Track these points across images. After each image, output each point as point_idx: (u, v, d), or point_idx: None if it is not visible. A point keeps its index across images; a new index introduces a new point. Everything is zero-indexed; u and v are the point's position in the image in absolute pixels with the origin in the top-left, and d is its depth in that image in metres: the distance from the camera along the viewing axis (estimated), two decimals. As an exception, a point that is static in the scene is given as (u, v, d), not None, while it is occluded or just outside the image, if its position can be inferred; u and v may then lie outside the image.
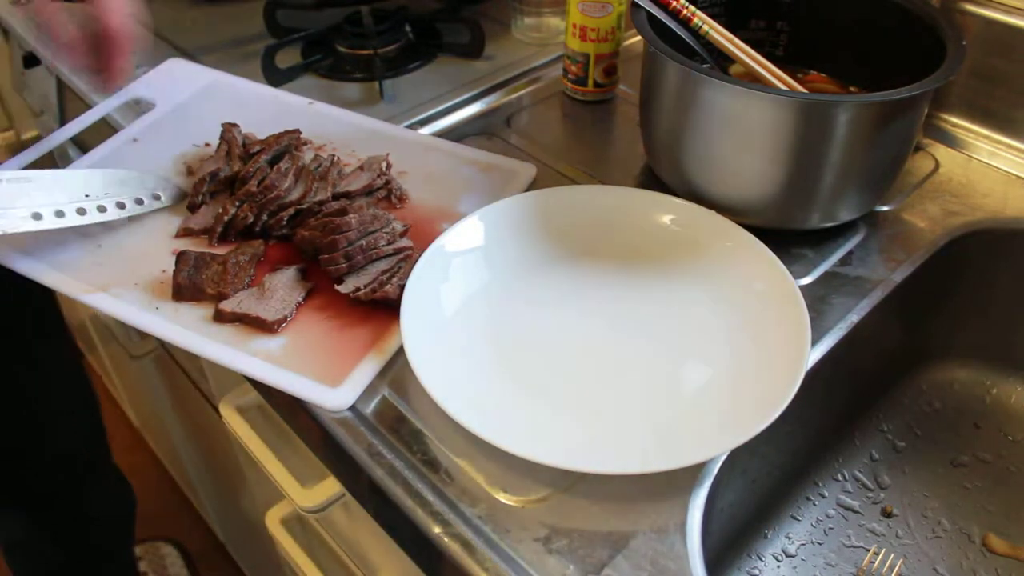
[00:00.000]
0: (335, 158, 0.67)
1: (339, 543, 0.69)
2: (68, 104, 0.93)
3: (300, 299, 0.57)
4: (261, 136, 0.70)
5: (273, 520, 0.67)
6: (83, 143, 0.78)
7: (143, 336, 1.07)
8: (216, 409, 0.69)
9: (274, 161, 0.65)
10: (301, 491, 0.57)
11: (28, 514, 1.00)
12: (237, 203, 0.62)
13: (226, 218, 0.62)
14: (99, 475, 1.08)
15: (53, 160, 0.84)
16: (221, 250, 0.60)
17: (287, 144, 0.67)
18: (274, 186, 0.62)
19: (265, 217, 0.62)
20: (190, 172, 0.69)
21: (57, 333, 0.96)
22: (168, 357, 1.03)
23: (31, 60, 0.95)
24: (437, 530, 0.44)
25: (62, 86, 0.91)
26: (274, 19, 0.89)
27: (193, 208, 0.65)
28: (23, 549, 1.04)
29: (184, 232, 0.63)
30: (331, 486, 0.56)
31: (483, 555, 0.43)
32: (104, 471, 1.09)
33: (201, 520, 1.50)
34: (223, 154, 0.67)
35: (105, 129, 0.75)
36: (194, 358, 0.91)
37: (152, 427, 1.48)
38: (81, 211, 0.60)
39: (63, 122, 0.95)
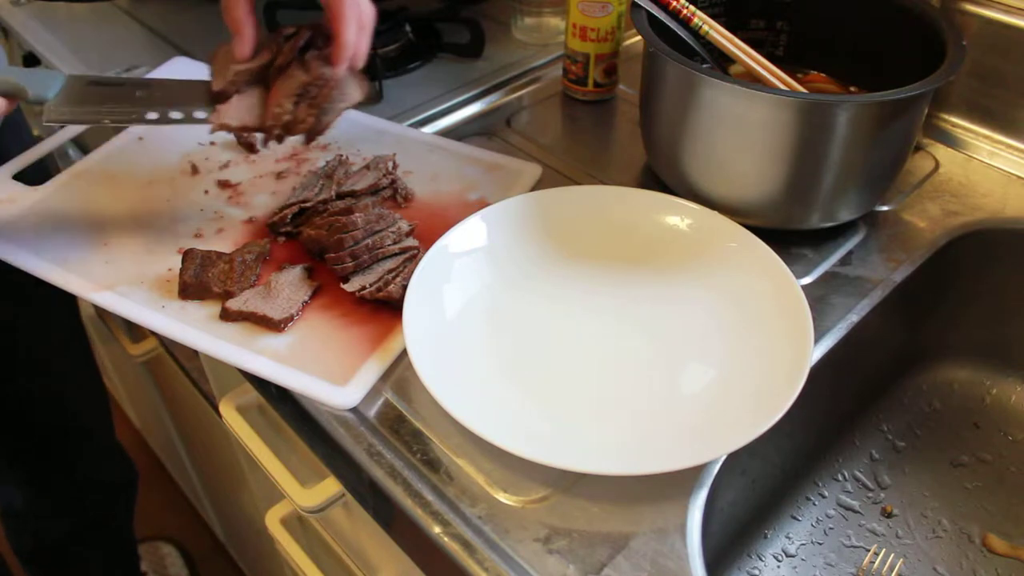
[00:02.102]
0: (343, 157, 0.68)
1: (339, 543, 0.69)
2: (68, 104, 0.92)
3: (306, 298, 0.57)
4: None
5: (273, 520, 0.67)
6: (84, 143, 0.78)
7: (143, 336, 1.07)
8: (216, 409, 0.69)
9: (303, 51, 0.58)
10: (301, 491, 0.57)
11: (28, 483, 1.00)
12: (294, 99, 0.55)
13: (286, 117, 0.55)
14: (100, 445, 1.08)
15: (54, 160, 0.84)
16: (228, 248, 0.60)
17: (316, 32, 0.59)
18: (323, 77, 0.55)
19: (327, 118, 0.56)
20: (195, 171, 0.69)
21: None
22: (168, 357, 1.03)
23: (31, 60, 0.95)
24: (437, 530, 0.44)
25: (62, 86, 0.91)
26: (274, 19, 0.89)
27: (222, 98, 0.56)
28: (23, 521, 1.05)
29: (220, 127, 0.55)
30: (331, 486, 0.56)
31: (483, 555, 0.43)
32: (106, 442, 1.10)
33: (201, 520, 1.50)
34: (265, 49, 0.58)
35: (105, 130, 0.75)
36: (194, 358, 0.91)
37: (152, 427, 1.48)
38: None
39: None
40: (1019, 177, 0.71)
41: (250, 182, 0.69)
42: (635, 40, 0.89)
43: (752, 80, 0.67)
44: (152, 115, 0.55)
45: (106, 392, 1.09)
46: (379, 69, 0.81)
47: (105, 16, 0.98)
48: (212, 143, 0.72)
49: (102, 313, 1.09)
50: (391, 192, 0.66)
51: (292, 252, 0.62)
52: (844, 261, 0.62)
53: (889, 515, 0.65)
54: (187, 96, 0.57)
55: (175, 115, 0.56)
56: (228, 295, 0.57)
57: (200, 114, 0.56)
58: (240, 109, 0.56)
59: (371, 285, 0.56)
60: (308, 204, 0.63)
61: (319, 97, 0.55)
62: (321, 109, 0.55)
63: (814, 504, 0.65)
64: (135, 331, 1.05)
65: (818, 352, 0.56)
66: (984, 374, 0.73)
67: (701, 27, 0.66)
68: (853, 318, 0.58)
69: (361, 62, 0.57)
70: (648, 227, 0.61)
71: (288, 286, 0.57)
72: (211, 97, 0.56)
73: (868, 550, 0.62)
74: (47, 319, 0.92)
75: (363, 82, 0.58)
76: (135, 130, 0.73)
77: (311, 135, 0.56)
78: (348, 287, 0.56)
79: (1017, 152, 0.73)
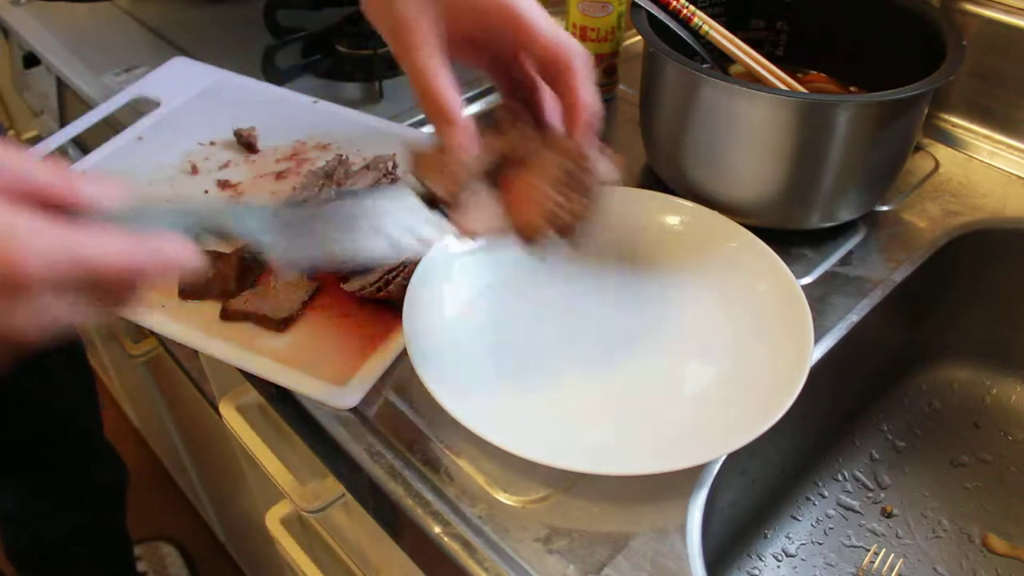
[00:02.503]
0: (343, 157, 0.68)
1: (339, 543, 0.69)
2: (68, 104, 0.93)
3: (306, 298, 0.57)
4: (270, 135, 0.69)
5: (273, 520, 0.67)
6: (84, 143, 0.78)
7: (143, 336, 1.07)
8: (216, 409, 0.69)
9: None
10: (301, 491, 0.57)
11: (28, 483, 1.00)
12: (561, 188, 0.44)
13: (559, 211, 0.44)
14: (96, 445, 1.08)
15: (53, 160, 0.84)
16: (227, 248, 0.60)
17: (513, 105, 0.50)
18: (585, 154, 0.44)
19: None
20: (195, 171, 0.69)
21: None
22: (168, 357, 1.03)
23: (31, 60, 0.95)
24: (437, 530, 0.44)
25: (62, 86, 0.91)
26: (274, 19, 0.89)
27: (449, 204, 0.44)
28: (22, 522, 1.04)
29: (470, 236, 0.45)
30: (331, 486, 0.56)
31: (483, 555, 0.43)
32: (98, 441, 1.09)
33: (201, 520, 1.50)
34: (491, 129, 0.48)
35: (106, 130, 0.75)
36: (194, 358, 0.91)
37: (152, 427, 1.48)
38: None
39: (63, 122, 0.95)
40: (1019, 177, 0.71)
41: (250, 182, 0.68)
42: (635, 40, 0.89)
43: (752, 80, 0.67)
44: (385, 244, 0.43)
45: (97, 392, 1.09)
46: (379, 69, 0.81)
47: (105, 16, 0.98)
48: (212, 143, 0.72)
49: (102, 313, 1.09)
50: (391, 192, 0.66)
51: (292, 252, 0.62)
52: (844, 261, 0.62)
53: (889, 515, 0.65)
54: (406, 207, 0.45)
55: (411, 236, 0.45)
56: (228, 295, 0.57)
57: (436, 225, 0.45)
58: (481, 214, 0.45)
59: (371, 285, 0.56)
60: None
61: (586, 180, 0.44)
62: (591, 196, 0.44)
63: (814, 504, 0.65)
64: (135, 331, 1.05)
65: (818, 352, 0.56)
66: (984, 374, 0.73)
67: (701, 27, 0.66)
68: (853, 318, 0.58)
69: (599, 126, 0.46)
70: (648, 227, 0.61)
71: (288, 286, 0.57)
72: (428, 202, 0.45)
73: (868, 550, 0.62)
74: None
75: (611, 155, 0.46)
76: (135, 130, 0.73)
77: (581, 233, 0.45)
78: (348, 287, 0.56)
79: (1017, 152, 0.73)
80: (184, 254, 0.33)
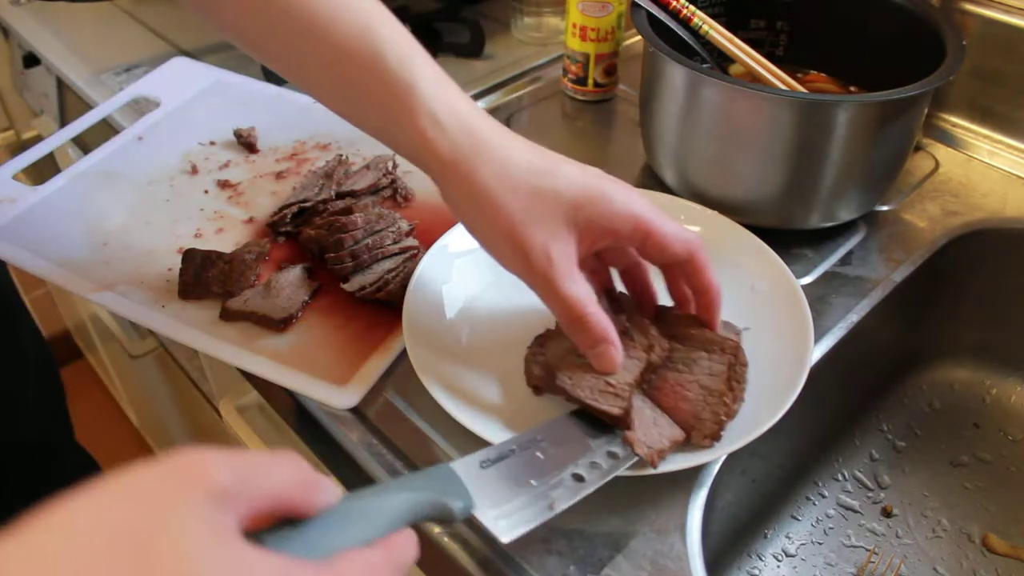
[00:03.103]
0: (343, 157, 0.68)
1: (339, 543, 0.69)
2: (68, 104, 0.93)
3: (306, 298, 0.57)
4: (270, 135, 0.69)
5: (273, 520, 0.67)
6: (84, 143, 0.78)
7: (143, 336, 1.07)
8: (216, 409, 0.69)
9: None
10: (301, 491, 0.57)
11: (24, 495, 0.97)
12: (729, 383, 0.45)
13: (736, 405, 0.46)
14: (65, 459, 1.06)
15: (54, 160, 0.84)
16: (228, 248, 0.60)
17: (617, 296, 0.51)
18: (738, 345, 0.47)
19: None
20: (195, 171, 0.69)
21: (17, 311, 0.93)
22: (168, 357, 1.03)
23: (31, 60, 0.95)
24: (437, 530, 0.44)
25: (62, 86, 0.91)
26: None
27: (621, 424, 0.44)
28: None
29: (656, 458, 0.43)
30: (331, 486, 0.56)
31: (483, 555, 0.43)
32: (69, 453, 1.07)
33: (201, 520, 1.50)
34: None
35: (105, 130, 0.75)
36: (194, 358, 0.91)
37: (152, 427, 1.48)
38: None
39: (63, 122, 0.95)
40: (1019, 177, 0.71)
41: (250, 182, 0.69)
42: (635, 40, 0.89)
43: (752, 80, 0.67)
44: (594, 482, 0.42)
45: (66, 403, 1.05)
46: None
47: (105, 16, 0.98)
48: (212, 143, 0.72)
49: (102, 313, 1.09)
50: (391, 192, 0.66)
51: (292, 252, 0.62)
52: (844, 261, 0.62)
53: (889, 515, 0.65)
54: (576, 436, 0.45)
55: (605, 472, 0.43)
56: (228, 295, 0.57)
57: (624, 452, 0.43)
58: (651, 427, 0.45)
59: (371, 285, 0.56)
60: (308, 204, 0.63)
61: (741, 370, 0.47)
62: (745, 379, 0.47)
63: (814, 504, 0.65)
64: (135, 330, 1.05)
65: (818, 352, 0.56)
66: (984, 374, 0.73)
67: (701, 27, 0.66)
68: (853, 318, 0.58)
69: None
70: (648, 227, 0.61)
71: (288, 286, 0.57)
72: (593, 425, 0.45)
73: (868, 550, 0.62)
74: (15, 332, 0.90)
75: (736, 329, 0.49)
76: (135, 130, 0.73)
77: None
78: (348, 287, 0.56)
79: (1017, 152, 0.73)
80: (413, 545, 0.33)
